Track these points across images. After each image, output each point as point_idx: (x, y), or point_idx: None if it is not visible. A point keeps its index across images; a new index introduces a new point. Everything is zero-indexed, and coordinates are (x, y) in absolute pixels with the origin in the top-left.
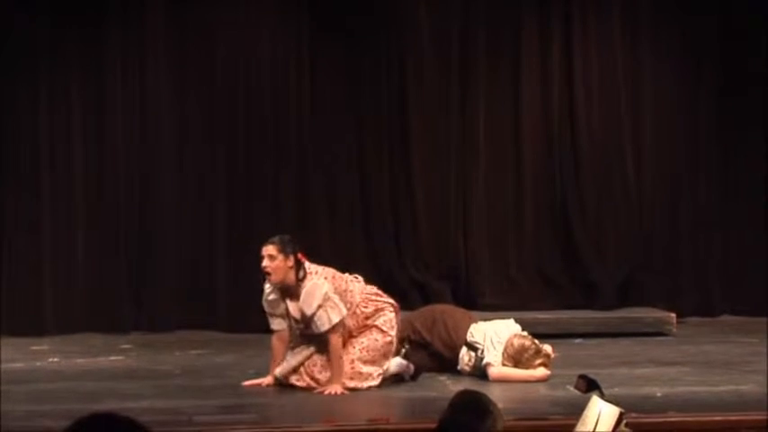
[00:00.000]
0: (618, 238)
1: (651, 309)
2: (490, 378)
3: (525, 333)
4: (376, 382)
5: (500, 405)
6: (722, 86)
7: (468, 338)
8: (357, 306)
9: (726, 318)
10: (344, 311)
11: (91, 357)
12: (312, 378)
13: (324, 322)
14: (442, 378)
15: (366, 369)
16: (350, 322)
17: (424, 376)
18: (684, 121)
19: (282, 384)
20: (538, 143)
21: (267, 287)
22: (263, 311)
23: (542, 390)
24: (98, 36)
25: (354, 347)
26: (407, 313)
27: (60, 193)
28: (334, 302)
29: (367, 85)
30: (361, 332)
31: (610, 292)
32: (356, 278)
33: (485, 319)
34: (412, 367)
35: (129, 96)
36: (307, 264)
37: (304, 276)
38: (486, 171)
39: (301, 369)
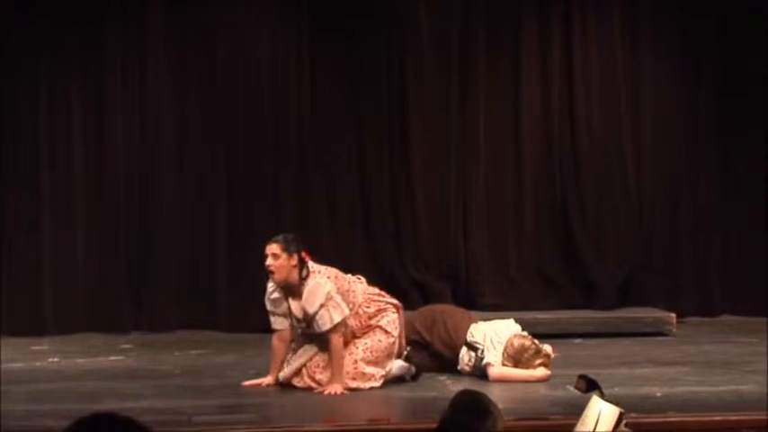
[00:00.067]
0: (618, 238)
1: (651, 309)
2: (490, 378)
3: (525, 333)
4: (378, 384)
5: (500, 405)
6: (722, 86)
7: (468, 338)
8: (360, 306)
9: (726, 318)
10: (347, 311)
11: (91, 357)
12: (313, 379)
13: (325, 321)
14: (442, 378)
15: (369, 370)
16: (353, 322)
17: (425, 376)
18: (684, 121)
19: (282, 384)
20: (538, 143)
21: (270, 285)
22: (265, 310)
23: (542, 390)
24: (98, 36)
25: (358, 348)
26: (408, 313)
27: (60, 193)
28: (337, 302)
29: (367, 85)
30: (364, 333)
31: (610, 292)
32: (359, 279)
33: (485, 319)
34: (413, 369)
35: (129, 96)
36: (310, 263)
37: (307, 275)
38: (486, 171)
39: (303, 371)
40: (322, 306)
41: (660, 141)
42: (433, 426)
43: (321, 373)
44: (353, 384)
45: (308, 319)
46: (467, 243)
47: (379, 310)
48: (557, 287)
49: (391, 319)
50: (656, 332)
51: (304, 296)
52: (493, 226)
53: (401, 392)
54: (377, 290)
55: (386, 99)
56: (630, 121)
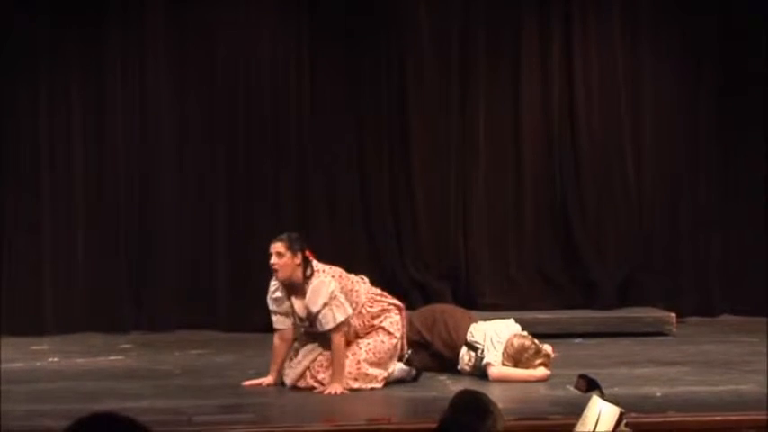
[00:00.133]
0: (618, 237)
1: (651, 309)
2: (490, 378)
3: (525, 333)
4: (379, 385)
5: (500, 405)
6: (722, 86)
7: (469, 338)
8: (363, 306)
9: (726, 317)
10: (350, 311)
11: (91, 357)
12: (315, 379)
13: (328, 320)
14: (442, 378)
15: (372, 371)
16: (356, 322)
17: (425, 376)
18: (684, 121)
19: (283, 384)
20: (538, 143)
21: (273, 284)
22: (266, 310)
23: (542, 390)
24: (98, 36)
25: (361, 348)
26: (408, 313)
27: (60, 193)
28: (340, 301)
29: (367, 85)
30: (367, 333)
31: (610, 292)
32: (362, 279)
33: (485, 319)
34: (414, 371)
35: (129, 96)
36: (314, 262)
37: (311, 274)
38: (486, 171)
39: (306, 372)
40: (325, 305)
41: (660, 141)
42: (433, 426)
43: (324, 372)
44: (355, 385)
45: (312, 318)
46: (467, 243)
47: (383, 311)
48: (557, 287)
49: (394, 321)
50: (656, 332)
51: (308, 295)
52: (493, 226)
53: (401, 392)
54: (379, 290)
55: (386, 99)
56: (630, 121)
